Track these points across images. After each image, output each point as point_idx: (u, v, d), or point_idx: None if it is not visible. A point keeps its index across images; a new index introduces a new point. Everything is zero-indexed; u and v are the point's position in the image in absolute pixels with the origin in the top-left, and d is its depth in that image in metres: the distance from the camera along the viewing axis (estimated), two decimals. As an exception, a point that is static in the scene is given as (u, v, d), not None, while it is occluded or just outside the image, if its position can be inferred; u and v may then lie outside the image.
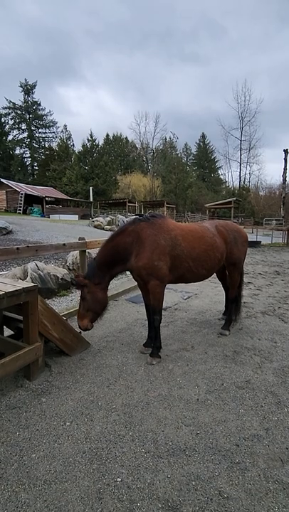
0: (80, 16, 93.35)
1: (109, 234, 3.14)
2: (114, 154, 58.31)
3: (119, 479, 1.75)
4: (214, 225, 3.72)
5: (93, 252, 7.33)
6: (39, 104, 54.77)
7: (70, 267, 6.58)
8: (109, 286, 3.20)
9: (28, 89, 53.26)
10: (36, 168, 54.93)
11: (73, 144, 55.48)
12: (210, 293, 5.96)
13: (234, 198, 36.92)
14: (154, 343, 3.21)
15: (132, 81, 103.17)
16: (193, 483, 1.73)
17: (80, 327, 3.06)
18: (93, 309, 3.03)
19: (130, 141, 62.78)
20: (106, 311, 3.18)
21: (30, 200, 32.04)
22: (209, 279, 5.22)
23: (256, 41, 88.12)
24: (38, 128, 55.83)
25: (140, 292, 3.60)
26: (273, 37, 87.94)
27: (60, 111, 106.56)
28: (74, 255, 6.61)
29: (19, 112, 53.58)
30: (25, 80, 52.59)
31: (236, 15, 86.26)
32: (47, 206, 32.69)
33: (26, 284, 2.79)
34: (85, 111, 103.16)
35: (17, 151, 54.04)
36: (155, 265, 3.00)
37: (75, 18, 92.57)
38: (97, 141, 47.41)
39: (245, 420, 2.26)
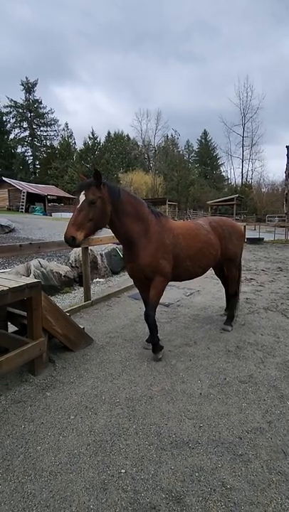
0: (72, 17, 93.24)
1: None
2: (116, 152, 58.04)
3: (123, 470, 1.78)
4: (208, 221, 3.72)
5: (95, 249, 7.35)
6: (40, 103, 54.67)
7: (73, 264, 6.60)
8: (111, 284, 3.19)
9: (29, 88, 53.13)
10: (38, 166, 54.95)
11: (75, 142, 55.48)
12: (212, 289, 5.97)
13: (236, 195, 36.63)
14: (151, 341, 3.18)
15: (127, 80, 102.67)
16: (197, 474, 1.75)
17: (66, 235, 2.47)
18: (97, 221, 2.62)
19: (132, 138, 62.60)
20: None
21: (33, 198, 32.18)
22: (212, 275, 5.22)
23: (249, 40, 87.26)
24: (40, 126, 55.77)
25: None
26: (266, 35, 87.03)
27: (57, 110, 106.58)
28: (76, 252, 6.62)
29: (20, 110, 53.52)
30: (27, 79, 52.51)
31: (228, 14, 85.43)
32: (49, 204, 32.82)
33: (30, 279, 2.82)
34: (82, 110, 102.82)
35: (19, 150, 54.16)
36: (160, 263, 3.01)
37: (68, 19, 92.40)
38: (98, 139, 47.44)
39: (247, 414, 2.28)
